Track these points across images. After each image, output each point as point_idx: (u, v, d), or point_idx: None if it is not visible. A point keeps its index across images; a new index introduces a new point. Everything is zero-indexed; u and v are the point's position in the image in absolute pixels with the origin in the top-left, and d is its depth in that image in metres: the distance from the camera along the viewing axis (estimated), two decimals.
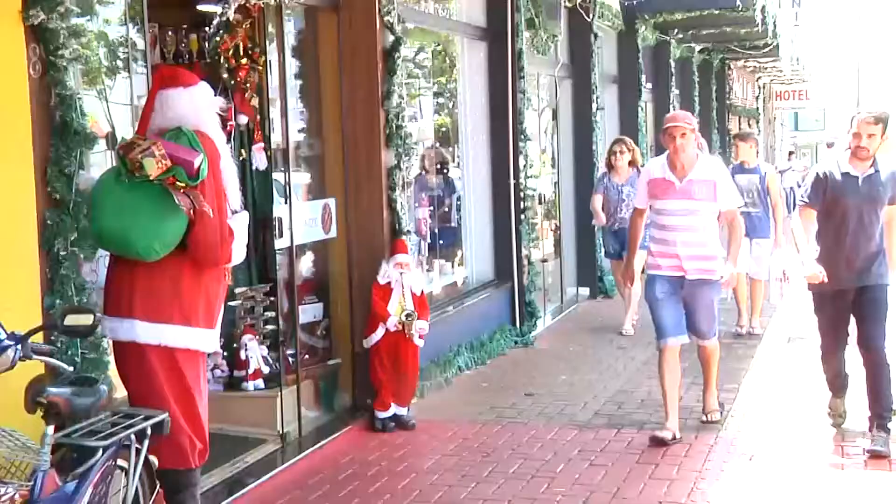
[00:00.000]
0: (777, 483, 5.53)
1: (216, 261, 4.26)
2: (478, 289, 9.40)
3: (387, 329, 6.65)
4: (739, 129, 25.37)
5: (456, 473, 5.81)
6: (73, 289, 4.28)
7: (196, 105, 4.29)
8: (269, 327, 6.60)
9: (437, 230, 8.88)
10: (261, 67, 6.48)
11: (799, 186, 25.13)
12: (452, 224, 9.36)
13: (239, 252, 4.42)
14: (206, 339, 4.30)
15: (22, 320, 3.76)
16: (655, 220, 6.42)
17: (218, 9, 6.30)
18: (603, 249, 11.15)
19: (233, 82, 6.39)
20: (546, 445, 6.32)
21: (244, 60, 6.40)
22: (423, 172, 8.80)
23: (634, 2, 13.07)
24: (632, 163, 9.96)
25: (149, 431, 3.80)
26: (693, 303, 6.35)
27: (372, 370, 6.73)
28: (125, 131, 5.02)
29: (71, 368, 3.87)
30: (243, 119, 6.47)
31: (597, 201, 10.12)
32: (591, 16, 11.97)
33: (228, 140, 6.00)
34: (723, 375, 7.25)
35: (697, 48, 18.52)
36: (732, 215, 6.42)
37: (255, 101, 6.52)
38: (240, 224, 4.42)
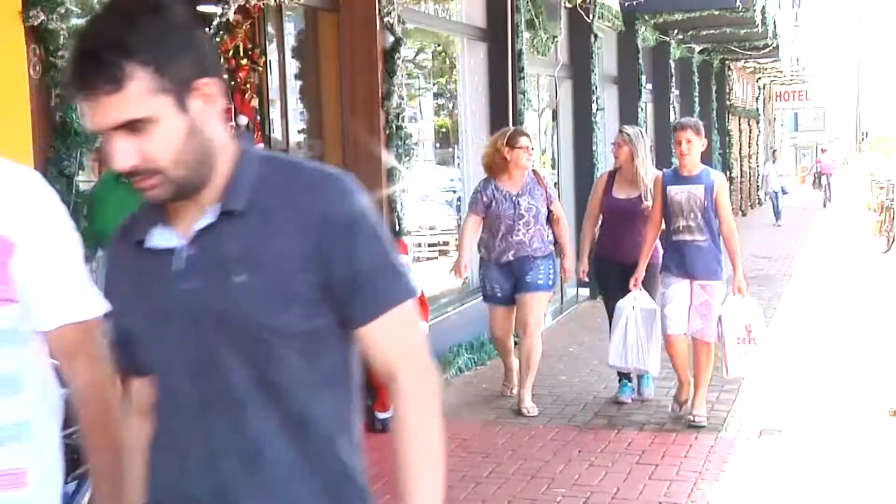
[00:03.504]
0: (777, 483, 5.54)
1: None
2: (478, 289, 9.39)
3: None
4: (739, 129, 25.32)
5: (456, 474, 5.80)
6: None
7: None
8: None
9: None
10: (261, 68, 6.50)
11: (784, 192, 24.56)
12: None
13: None
14: None
15: None
16: None
17: (218, 9, 6.31)
18: (482, 290, 7.41)
19: (233, 83, 6.40)
20: (546, 446, 6.32)
21: (244, 61, 6.41)
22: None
23: (634, 2, 13.08)
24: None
25: None
26: None
27: (372, 371, 6.72)
28: None
29: None
30: (243, 120, 6.47)
31: (470, 226, 6.97)
32: (590, 16, 11.98)
33: None
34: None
35: (697, 49, 18.55)
36: None
37: (255, 102, 6.53)
38: None
